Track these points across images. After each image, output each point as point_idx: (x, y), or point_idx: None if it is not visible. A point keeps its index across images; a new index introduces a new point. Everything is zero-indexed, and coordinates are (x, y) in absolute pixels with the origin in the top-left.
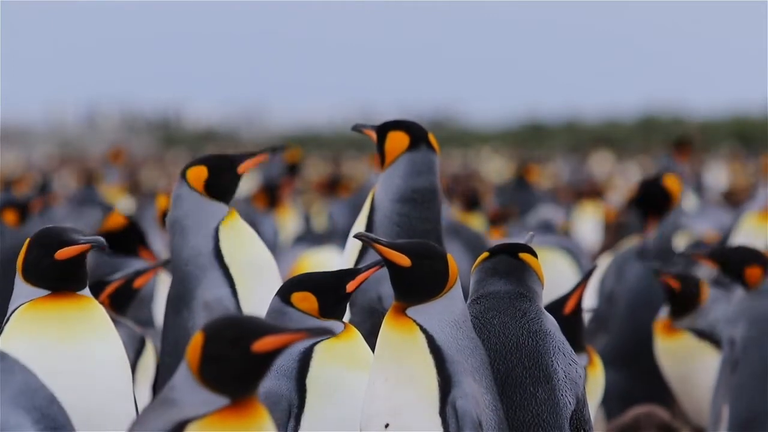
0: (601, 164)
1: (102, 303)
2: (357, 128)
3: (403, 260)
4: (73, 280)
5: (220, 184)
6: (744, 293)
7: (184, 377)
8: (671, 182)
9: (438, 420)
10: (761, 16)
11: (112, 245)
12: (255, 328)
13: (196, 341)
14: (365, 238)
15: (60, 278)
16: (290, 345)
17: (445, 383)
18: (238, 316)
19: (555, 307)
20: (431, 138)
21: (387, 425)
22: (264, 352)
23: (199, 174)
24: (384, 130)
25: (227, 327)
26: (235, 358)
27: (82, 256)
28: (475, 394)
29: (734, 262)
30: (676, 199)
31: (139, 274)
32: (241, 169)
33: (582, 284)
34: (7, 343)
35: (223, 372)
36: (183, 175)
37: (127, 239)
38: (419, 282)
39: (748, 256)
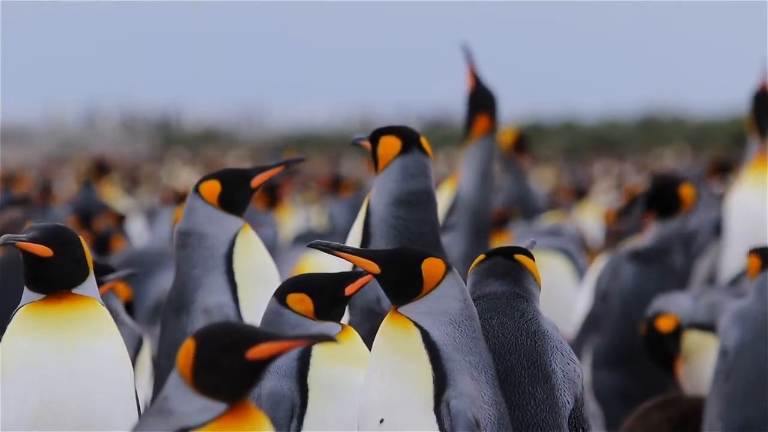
0: (603, 171)
1: None
2: (355, 142)
3: (372, 267)
4: (67, 279)
5: (234, 198)
6: (735, 304)
7: (176, 385)
8: (687, 190)
9: (432, 418)
10: (761, 17)
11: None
12: (249, 335)
13: (187, 348)
14: (323, 246)
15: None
16: (287, 352)
17: (441, 381)
18: (230, 323)
19: None
20: (423, 142)
21: (382, 420)
22: (258, 360)
23: (212, 188)
24: (376, 136)
25: (221, 334)
26: (229, 365)
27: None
28: (471, 393)
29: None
30: (685, 206)
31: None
32: (254, 182)
33: None
34: (9, 345)
35: (216, 379)
36: (196, 189)
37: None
38: (393, 286)
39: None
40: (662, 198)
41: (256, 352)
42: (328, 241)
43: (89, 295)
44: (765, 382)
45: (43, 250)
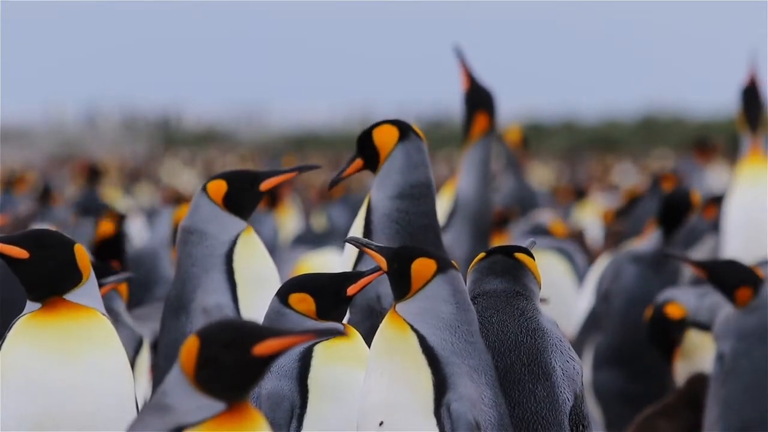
0: (603, 170)
1: None
2: (338, 180)
3: (382, 263)
4: (54, 284)
5: (240, 199)
6: (732, 310)
7: (176, 381)
8: (695, 200)
9: (433, 421)
10: (761, 17)
11: (100, 253)
12: (254, 331)
13: (190, 345)
14: (355, 242)
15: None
16: (294, 347)
17: (441, 384)
18: (234, 320)
19: None
20: (415, 127)
21: (381, 423)
22: (264, 356)
23: (219, 188)
24: (366, 133)
25: (225, 330)
26: (234, 362)
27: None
28: (472, 395)
29: (726, 281)
30: (692, 214)
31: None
32: (263, 186)
33: None
34: (8, 356)
35: (220, 376)
36: (204, 187)
37: (111, 248)
38: (391, 282)
39: (740, 276)
40: (675, 217)
41: (263, 348)
42: (358, 237)
43: (87, 303)
44: (762, 385)
45: (18, 252)
